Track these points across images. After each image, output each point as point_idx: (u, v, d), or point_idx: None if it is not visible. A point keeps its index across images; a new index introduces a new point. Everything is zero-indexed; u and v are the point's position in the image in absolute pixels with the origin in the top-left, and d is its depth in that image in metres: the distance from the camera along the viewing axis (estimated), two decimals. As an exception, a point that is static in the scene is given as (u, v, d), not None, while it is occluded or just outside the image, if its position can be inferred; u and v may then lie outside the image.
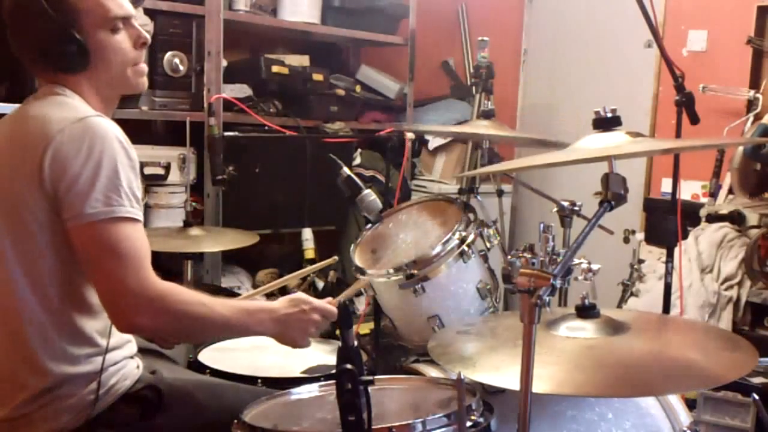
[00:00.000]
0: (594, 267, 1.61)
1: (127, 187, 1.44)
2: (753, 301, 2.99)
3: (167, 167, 3.16)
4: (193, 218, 2.66)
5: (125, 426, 1.56)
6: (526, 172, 3.79)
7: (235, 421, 1.39)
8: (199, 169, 3.16)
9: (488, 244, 1.99)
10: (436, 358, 1.46)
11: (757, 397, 1.72)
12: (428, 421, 1.28)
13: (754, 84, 3.39)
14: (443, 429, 1.28)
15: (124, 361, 1.60)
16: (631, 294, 3.12)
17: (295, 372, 1.93)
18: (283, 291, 2.65)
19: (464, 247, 1.89)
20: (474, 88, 3.97)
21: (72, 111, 1.48)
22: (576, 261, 1.58)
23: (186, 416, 1.60)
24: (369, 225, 2.09)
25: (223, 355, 2.01)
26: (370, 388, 1.14)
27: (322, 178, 3.43)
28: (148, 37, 1.63)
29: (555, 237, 1.50)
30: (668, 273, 2.38)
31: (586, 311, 1.43)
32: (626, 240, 3.19)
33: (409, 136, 2.64)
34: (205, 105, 3.03)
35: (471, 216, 1.98)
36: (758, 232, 3.04)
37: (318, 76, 3.68)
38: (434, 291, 1.89)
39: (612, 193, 1.25)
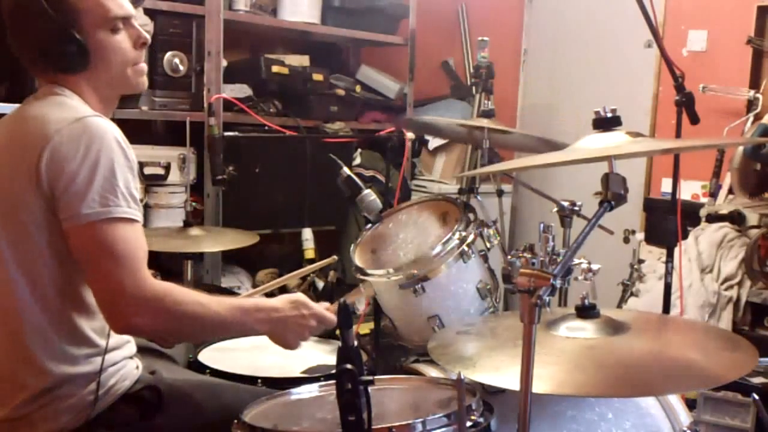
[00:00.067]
0: (594, 267, 1.61)
1: (125, 187, 1.44)
2: (753, 301, 2.99)
3: (167, 167, 3.16)
4: (193, 218, 2.66)
5: (125, 426, 1.56)
6: (526, 172, 3.79)
7: (235, 421, 1.39)
8: (199, 169, 3.16)
9: (488, 244, 1.99)
10: (437, 359, 1.46)
11: (757, 397, 1.72)
12: (428, 421, 1.28)
13: (754, 84, 3.39)
14: (443, 429, 1.28)
15: (123, 361, 1.60)
16: (631, 294, 3.12)
17: (295, 372, 1.93)
18: (283, 291, 2.66)
19: (464, 247, 1.89)
20: (474, 88, 3.98)
21: (70, 111, 1.48)
22: (576, 261, 1.58)
23: (186, 416, 1.60)
24: (369, 225, 2.09)
25: (223, 355, 2.01)
26: (370, 388, 1.14)
27: (322, 178, 3.43)
28: (148, 37, 1.63)
29: (555, 237, 1.50)
30: (668, 273, 2.38)
31: (586, 311, 1.43)
32: (626, 240, 3.18)
33: (409, 136, 2.63)
34: (205, 105, 3.04)
35: (471, 216, 1.98)
36: (758, 232, 3.04)
37: (318, 76, 3.68)
38: (434, 291, 1.89)
39: (612, 193, 1.25)
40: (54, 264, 1.47)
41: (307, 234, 3.51)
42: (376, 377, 1.42)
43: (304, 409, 1.52)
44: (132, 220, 1.45)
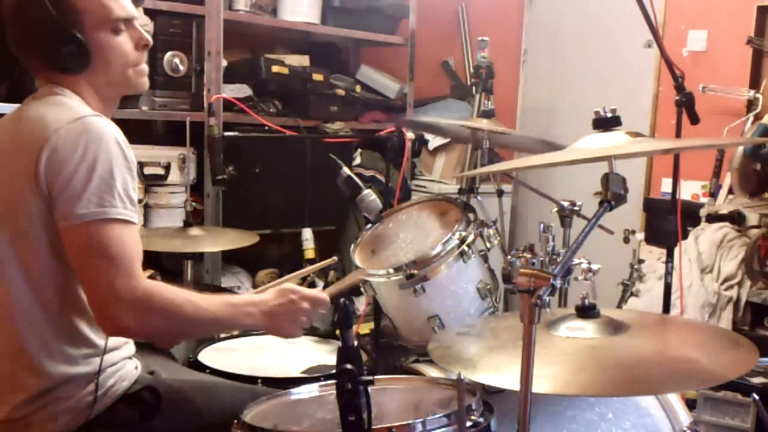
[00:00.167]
0: (594, 267, 1.62)
1: (122, 188, 1.43)
2: (753, 301, 2.99)
3: (167, 167, 3.16)
4: (193, 218, 2.66)
5: (124, 427, 1.55)
6: (526, 172, 3.79)
7: (235, 421, 1.39)
8: (199, 169, 3.16)
9: (488, 244, 1.99)
10: (437, 360, 1.45)
11: (757, 397, 1.72)
12: (428, 421, 1.28)
13: (754, 84, 3.39)
14: (443, 429, 1.28)
15: (122, 362, 1.59)
16: (631, 294, 3.12)
17: (295, 372, 1.93)
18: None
19: (464, 247, 1.89)
20: (474, 88, 3.98)
21: (70, 111, 1.48)
22: (576, 261, 1.59)
23: (185, 417, 1.59)
24: (369, 225, 2.09)
25: (223, 355, 2.01)
26: (370, 388, 1.14)
27: (322, 178, 3.43)
28: (150, 38, 1.63)
29: (555, 237, 1.50)
30: (668, 273, 2.38)
31: (586, 311, 1.43)
32: (626, 240, 3.18)
33: (410, 136, 2.63)
34: (205, 105, 3.03)
35: (471, 216, 1.98)
36: (758, 232, 3.04)
37: (318, 76, 3.68)
38: (434, 291, 1.89)
39: (612, 193, 1.25)
40: (53, 264, 1.47)
41: (307, 234, 3.51)
42: (376, 377, 1.42)
43: (304, 409, 1.52)
44: (128, 222, 1.44)
